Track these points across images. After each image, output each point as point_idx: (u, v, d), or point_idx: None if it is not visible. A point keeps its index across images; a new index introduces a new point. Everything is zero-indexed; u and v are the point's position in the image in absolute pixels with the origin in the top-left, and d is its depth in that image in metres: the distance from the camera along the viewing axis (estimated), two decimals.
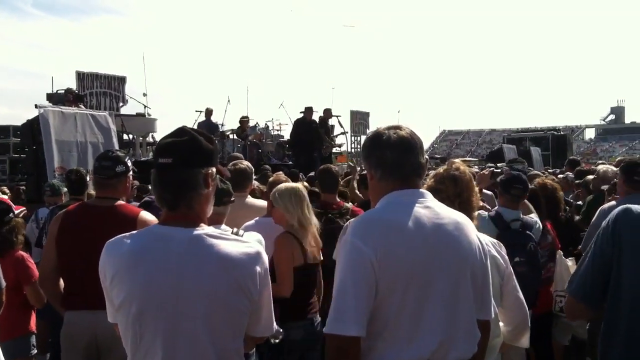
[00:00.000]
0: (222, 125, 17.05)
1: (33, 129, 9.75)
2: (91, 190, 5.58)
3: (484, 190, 5.59)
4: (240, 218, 4.39)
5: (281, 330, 3.03)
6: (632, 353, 2.35)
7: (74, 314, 3.58)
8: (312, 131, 15.16)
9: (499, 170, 5.35)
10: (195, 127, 13.72)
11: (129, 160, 3.88)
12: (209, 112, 16.05)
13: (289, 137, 17.72)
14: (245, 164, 5.41)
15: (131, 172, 3.90)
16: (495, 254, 3.14)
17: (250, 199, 5.21)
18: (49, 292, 3.77)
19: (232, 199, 3.81)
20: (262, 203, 5.03)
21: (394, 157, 2.30)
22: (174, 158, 2.14)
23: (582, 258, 2.56)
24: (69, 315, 3.60)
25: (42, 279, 3.76)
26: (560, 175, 9.40)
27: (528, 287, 4.38)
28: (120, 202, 3.74)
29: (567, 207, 7.01)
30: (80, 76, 17.02)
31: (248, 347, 2.34)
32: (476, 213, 3.16)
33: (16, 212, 4.72)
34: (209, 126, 15.34)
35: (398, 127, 2.37)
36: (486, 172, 5.36)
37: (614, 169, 7.22)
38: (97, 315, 3.40)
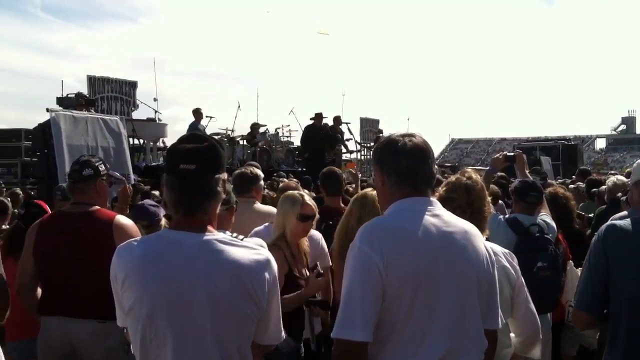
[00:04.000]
0: (232, 130, 17.05)
1: (44, 133, 9.80)
2: None
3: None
4: (245, 223, 4.39)
5: (288, 337, 3.01)
6: (631, 354, 2.59)
7: (49, 319, 3.54)
8: (321, 137, 15.19)
9: (512, 155, 5.30)
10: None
11: (101, 165, 3.81)
12: (198, 114, 15.09)
13: (299, 144, 17.78)
14: (249, 169, 5.34)
15: (103, 177, 3.80)
16: (507, 264, 3.11)
17: (258, 205, 5.18)
18: (26, 301, 3.68)
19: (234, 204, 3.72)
20: (270, 209, 5.02)
21: (409, 165, 2.30)
22: (197, 164, 2.14)
23: (582, 272, 2.83)
24: (45, 321, 3.57)
25: (20, 287, 3.67)
26: (572, 186, 9.28)
27: (552, 291, 4.36)
28: (96, 207, 3.68)
29: (579, 219, 6.90)
30: (92, 80, 17.16)
31: (256, 355, 2.32)
32: (492, 217, 3.16)
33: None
34: (195, 129, 14.17)
35: (412, 135, 2.37)
36: (499, 156, 5.31)
37: (624, 179, 7.13)
38: (70, 323, 3.43)
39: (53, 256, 3.56)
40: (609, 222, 2.78)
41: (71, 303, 3.46)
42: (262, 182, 5.55)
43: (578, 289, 2.84)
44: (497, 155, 5.42)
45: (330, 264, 4.52)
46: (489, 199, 3.14)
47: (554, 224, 4.64)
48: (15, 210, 6.26)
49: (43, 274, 3.61)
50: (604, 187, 7.52)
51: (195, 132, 2.24)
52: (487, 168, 5.36)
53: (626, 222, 2.70)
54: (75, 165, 3.78)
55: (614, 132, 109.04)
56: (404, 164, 2.30)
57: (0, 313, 3.94)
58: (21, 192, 9.01)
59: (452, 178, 3.12)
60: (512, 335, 3.20)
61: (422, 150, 2.32)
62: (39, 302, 3.62)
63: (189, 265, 2.09)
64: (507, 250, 3.24)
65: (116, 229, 3.52)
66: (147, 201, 4.44)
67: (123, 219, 3.66)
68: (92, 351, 3.42)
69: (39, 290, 3.68)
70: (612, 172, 16.06)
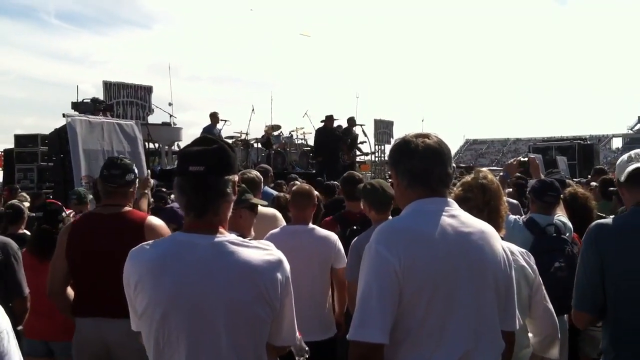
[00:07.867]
0: (247, 134, 17.12)
1: (61, 138, 9.90)
2: None
3: (510, 200, 5.52)
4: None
5: (307, 348, 2.99)
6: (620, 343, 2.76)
7: (82, 321, 3.57)
8: (334, 139, 15.18)
9: (526, 159, 5.26)
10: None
11: (135, 168, 3.88)
12: (214, 118, 15.46)
13: (312, 146, 17.81)
14: (255, 173, 5.34)
15: (138, 180, 3.91)
16: (524, 264, 3.10)
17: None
18: (59, 302, 3.71)
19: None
20: (269, 210, 5.01)
21: (421, 167, 2.27)
22: (205, 166, 2.15)
23: (576, 273, 2.97)
24: (78, 323, 3.59)
25: (52, 290, 3.70)
26: (593, 183, 9.16)
27: (569, 292, 4.31)
28: (127, 208, 3.73)
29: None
30: (107, 86, 17.23)
31: (271, 356, 2.31)
32: (506, 219, 3.14)
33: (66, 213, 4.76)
34: (209, 132, 14.41)
35: (426, 136, 2.34)
36: (514, 162, 5.28)
37: None
38: (104, 323, 3.45)
39: (86, 257, 3.58)
40: (595, 222, 2.96)
41: (104, 303, 3.46)
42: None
43: (575, 291, 2.97)
44: (511, 161, 5.39)
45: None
46: (504, 198, 3.12)
47: (570, 224, 4.60)
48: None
49: (76, 276, 3.63)
50: None
51: (206, 135, 2.25)
52: (501, 173, 5.31)
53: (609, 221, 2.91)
54: (115, 170, 3.75)
55: (630, 131, 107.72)
56: (417, 165, 2.28)
57: (20, 317, 3.99)
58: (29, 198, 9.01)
59: (468, 178, 3.09)
60: (530, 335, 3.18)
61: (435, 152, 2.29)
62: (73, 304, 3.65)
63: (202, 268, 2.09)
64: (524, 250, 3.22)
65: (147, 229, 3.54)
66: (176, 204, 4.46)
67: (155, 220, 3.68)
68: (125, 350, 3.42)
69: (70, 291, 3.70)
70: None
